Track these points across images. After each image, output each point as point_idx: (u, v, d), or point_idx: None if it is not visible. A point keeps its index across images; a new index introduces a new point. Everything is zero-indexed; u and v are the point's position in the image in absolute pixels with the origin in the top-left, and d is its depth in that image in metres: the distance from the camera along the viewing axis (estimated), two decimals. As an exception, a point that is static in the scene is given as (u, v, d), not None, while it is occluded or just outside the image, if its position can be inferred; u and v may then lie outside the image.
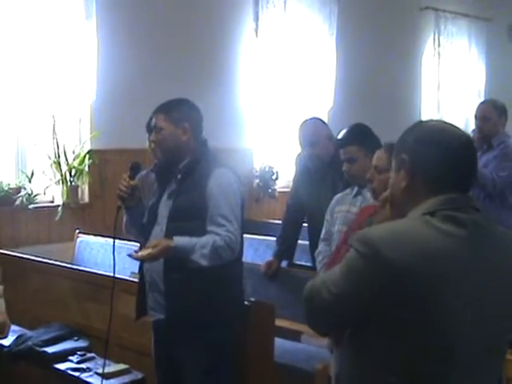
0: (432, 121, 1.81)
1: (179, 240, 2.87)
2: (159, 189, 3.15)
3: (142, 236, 3.13)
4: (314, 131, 4.13)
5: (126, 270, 3.81)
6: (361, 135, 3.43)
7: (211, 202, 2.94)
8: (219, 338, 3.00)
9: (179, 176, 3.04)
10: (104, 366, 3.26)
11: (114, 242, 3.08)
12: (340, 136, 3.54)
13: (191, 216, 2.95)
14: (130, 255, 2.93)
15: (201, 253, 2.85)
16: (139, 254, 2.91)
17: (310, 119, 4.28)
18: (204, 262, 2.86)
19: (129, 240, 3.95)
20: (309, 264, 4.20)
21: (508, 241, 1.71)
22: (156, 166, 3.20)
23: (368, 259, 1.59)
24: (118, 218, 3.07)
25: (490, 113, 4.74)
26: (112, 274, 3.14)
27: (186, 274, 2.91)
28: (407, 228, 1.63)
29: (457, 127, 1.79)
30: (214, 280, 2.94)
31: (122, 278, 3.55)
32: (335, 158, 3.97)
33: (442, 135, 1.69)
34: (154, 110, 3.12)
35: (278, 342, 3.44)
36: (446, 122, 1.78)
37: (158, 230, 3.04)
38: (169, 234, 2.95)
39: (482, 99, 7.82)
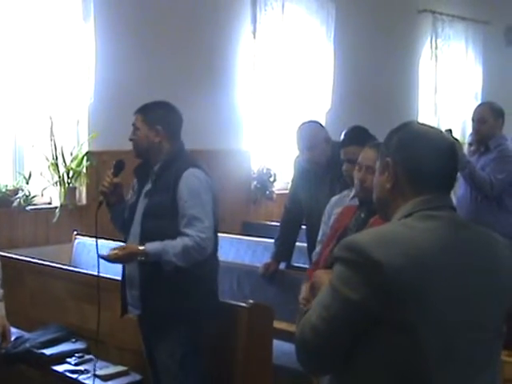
0: (415, 123, 1.85)
1: (150, 244, 3.02)
2: (138, 188, 3.29)
3: (123, 232, 3.30)
4: (312, 135, 4.14)
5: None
6: (361, 136, 3.45)
7: (181, 202, 3.06)
8: (192, 332, 3.13)
9: (154, 177, 3.18)
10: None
11: (96, 240, 3.18)
12: (341, 137, 3.56)
13: (163, 215, 3.09)
14: (100, 256, 3.09)
15: (173, 253, 2.99)
16: (107, 254, 3.07)
17: (308, 122, 4.28)
18: (178, 262, 3.00)
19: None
20: (307, 266, 4.20)
21: (484, 236, 1.74)
22: (136, 167, 3.34)
23: (358, 265, 1.58)
24: (98, 212, 3.21)
25: (487, 115, 4.74)
26: (111, 276, 3.17)
27: (159, 270, 3.04)
28: (390, 231, 1.67)
29: (439, 130, 1.86)
30: (188, 275, 3.07)
31: (117, 279, 3.54)
32: (333, 160, 3.98)
33: (424, 138, 1.74)
34: (135, 110, 3.28)
35: (277, 343, 3.44)
36: (428, 125, 1.83)
37: (136, 227, 3.19)
38: (144, 231, 3.12)
39: (479, 102, 7.82)
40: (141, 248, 3.03)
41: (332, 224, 3.08)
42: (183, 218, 3.05)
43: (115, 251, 3.05)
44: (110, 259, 3.07)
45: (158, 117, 3.21)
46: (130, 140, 3.27)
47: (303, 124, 4.25)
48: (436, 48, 8.44)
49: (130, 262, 3.14)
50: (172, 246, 3.00)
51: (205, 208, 3.08)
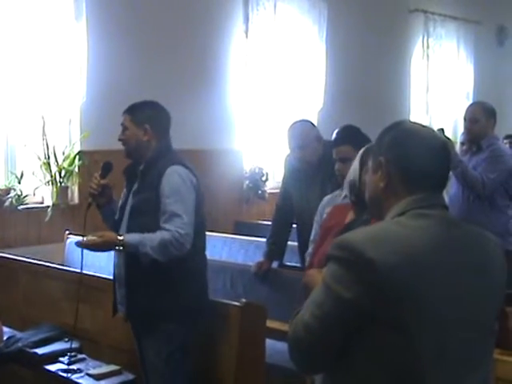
0: (408, 122, 1.85)
1: (129, 235, 3.05)
2: (127, 188, 3.32)
3: (114, 232, 3.27)
4: (303, 134, 4.14)
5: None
6: (353, 135, 3.45)
7: (163, 199, 3.09)
8: (179, 331, 3.13)
9: (140, 175, 3.21)
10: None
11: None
12: (333, 136, 3.56)
13: (147, 211, 3.12)
14: (77, 243, 3.09)
15: (150, 245, 3.01)
16: (83, 240, 3.07)
17: (299, 121, 4.28)
18: (154, 255, 3.01)
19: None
20: (299, 265, 4.21)
21: (476, 234, 1.75)
22: (125, 167, 3.36)
23: (350, 264, 1.58)
24: (87, 213, 3.24)
25: (478, 115, 4.74)
26: (106, 276, 3.16)
27: (146, 268, 3.06)
28: (383, 229, 1.67)
29: (431, 129, 1.86)
30: (175, 273, 3.09)
31: (110, 279, 3.54)
32: (324, 159, 3.99)
33: (417, 137, 1.74)
34: (124, 110, 3.31)
35: (269, 342, 3.45)
36: (420, 124, 1.83)
37: (124, 226, 3.21)
38: (129, 230, 3.13)
39: (471, 101, 7.85)
40: (119, 237, 3.04)
41: (321, 223, 3.08)
42: (164, 214, 3.08)
43: (92, 237, 3.05)
44: (86, 244, 3.07)
45: (146, 116, 3.24)
46: (120, 140, 3.29)
47: (295, 123, 4.25)
48: (428, 47, 8.47)
49: (107, 250, 3.17)
50: (150, 239, 3.02)
51: (185, 205, 3.10)
